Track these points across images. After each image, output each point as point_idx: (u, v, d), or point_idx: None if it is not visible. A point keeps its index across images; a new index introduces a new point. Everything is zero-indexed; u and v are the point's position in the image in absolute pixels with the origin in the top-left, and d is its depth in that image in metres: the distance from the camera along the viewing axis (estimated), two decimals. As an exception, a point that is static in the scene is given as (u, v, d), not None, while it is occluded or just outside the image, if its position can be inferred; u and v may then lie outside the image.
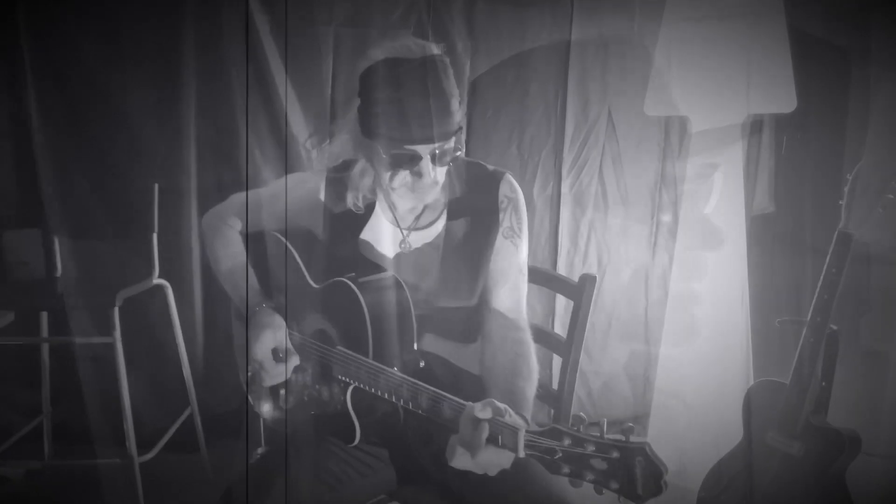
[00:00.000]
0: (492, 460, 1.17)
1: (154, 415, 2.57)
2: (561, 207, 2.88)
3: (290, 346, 1.51)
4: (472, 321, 1.54)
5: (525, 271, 1.57)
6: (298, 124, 2.58)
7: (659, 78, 2.38)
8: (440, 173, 1.44)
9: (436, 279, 1.51)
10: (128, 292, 2.24)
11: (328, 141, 2.35)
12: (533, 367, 1.43)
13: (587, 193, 2.88)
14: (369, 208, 1.55)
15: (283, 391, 1.57)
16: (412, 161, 1.39)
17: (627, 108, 2.79)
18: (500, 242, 1.53)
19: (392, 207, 1.55)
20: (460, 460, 1.19)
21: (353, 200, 1.52)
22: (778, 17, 2.28)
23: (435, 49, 1.39)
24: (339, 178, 1.54)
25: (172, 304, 2.47)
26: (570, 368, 1.65)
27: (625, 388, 2.90)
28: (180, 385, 2.57)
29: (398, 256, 1.54)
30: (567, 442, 1.10)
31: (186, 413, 2.59)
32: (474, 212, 1.52)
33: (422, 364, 1.45)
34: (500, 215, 1.52)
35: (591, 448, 1.08)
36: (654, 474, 1.04)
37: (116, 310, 2.15)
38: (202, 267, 2.64)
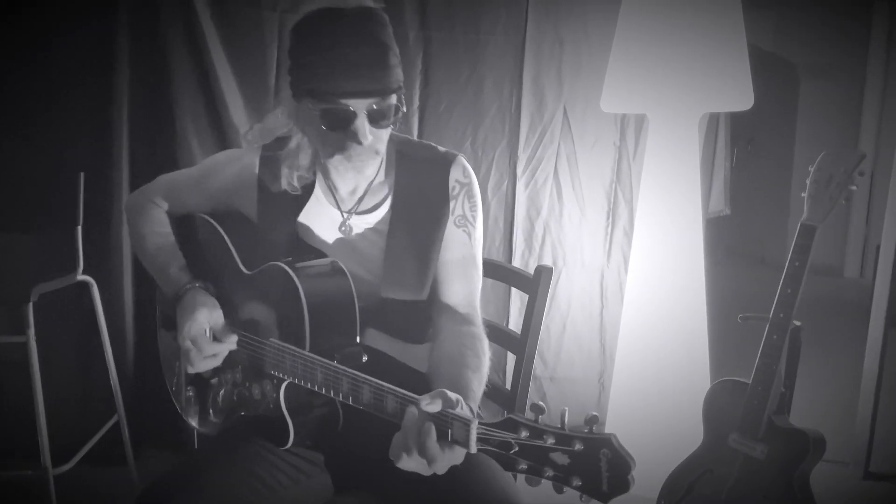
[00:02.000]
0: (441, 457, 1.04)
1: (77, 423, 2.38)
2: (516, 207, 2.80)
3: (227, 325, 1.37)
4: (422, 318, 1.42)
5: (479, 263, 1.46)
6: (239, 114, 2.44)
7: (615, 75, 2.32)
8: (380, 138, 1.31)
9: (380, 268, 1.39)
10: (45, 287, 2.06)
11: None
12: (483, 362, 1.30)
13: (542, 193, 2.81)
14: (307, 189, 1.42)
15: (213, 380, 1.43)
16: (346, 119, 1.26)
17: (583, 107, 2.75)
18: (452, 232, 1.41)
19: (332, 188, 1.42)
20: (406, 460, 1.06)
21: (288, 180, 1.39)
22: (735, 15, 2.24)
23: (371, 2, 1.27)
24: (273, 156, 1.41)
25: (98, 303, 2.29)
26: (524, 365, 1.54)
27: (580, 392, 2.81)
28: (107, 391, 2.38)
29: (339, 242, 1.42)
30: (524, 434, 0.98)
31: (112, 421, 2.41)
32: (423, 197, 1.41)
33: (364, 359, 1.32)
34: (452, 203, 1.41)
35: (550, 440, 0.96)
36: (621, 469, 0.93)
37: (31, 306, 1.97)
38: (133, 263, 2.47)
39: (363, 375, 1.17)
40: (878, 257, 4.25)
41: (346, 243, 1.41)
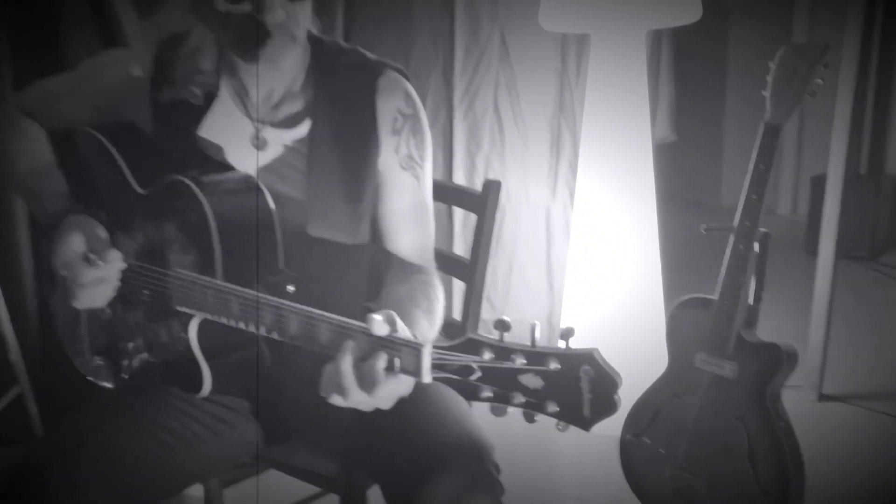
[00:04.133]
0: (385, 388, 0.86)
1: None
2: (454, 142, 2.62)
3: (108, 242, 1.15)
4: (363, 264, 1.22)
5: (431, 208, 1.25)
6: (129, 13, 2.14)
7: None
8: (295, 18, 1.08)
9: (303, 194, 1.18)
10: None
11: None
12: (435, 307, 1.12)
13: (482, 125, 2.63)
14: (210, 96, 1.19)
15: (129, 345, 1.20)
16: None
17: (521, 30, 2.55)
18: (397, 175, 1.20)
19: (241, 93, 1.20)
20: (343, 394, 0.88)
21: (187, 85, 1.16)
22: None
23: None
24: (168, 55, 1.17)
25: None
26: (475, 292, 1.38)
27: (529, 334, 2.67)
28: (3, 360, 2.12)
29: (251, 157, 1.19)
30: (488, 355, 0.81)
31: (13, 393, 2.14)
32: (348, 118, 1.19)
33: (291, 289, 1.12)
34: (395, 139, 1.19)
35: (520, 361, 0.79)
36: (606, 388, 0.77)
37: None
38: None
39: (288, 303, 0.97)
40: (812, 191, 4.27)
41: (261, 161, 1.19)
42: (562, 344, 0.79)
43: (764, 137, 1.57)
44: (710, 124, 5.08)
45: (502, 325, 0.82)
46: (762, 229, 1.57)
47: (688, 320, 1.65)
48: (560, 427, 0.80)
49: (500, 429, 0.98)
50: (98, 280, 1.10)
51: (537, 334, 0.81)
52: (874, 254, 4.13)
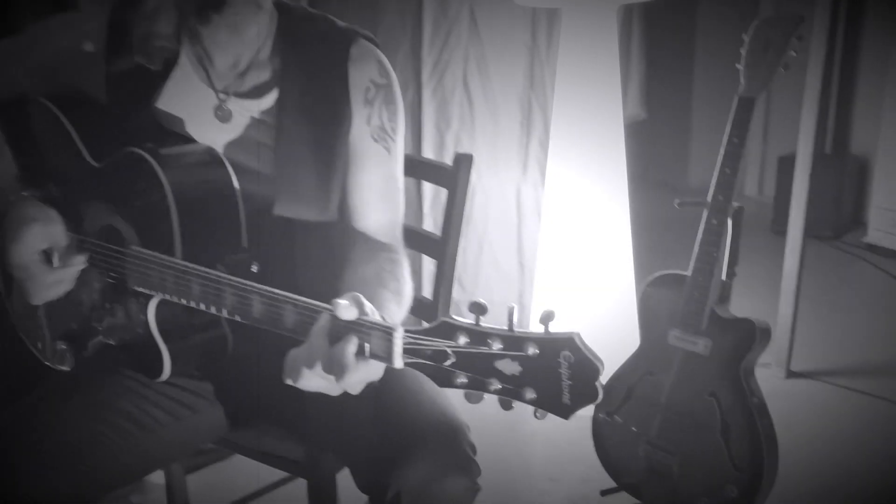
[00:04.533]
0: (355, 372, 0.82)
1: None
2: (423, 118, 2.56)
3: (70, 243, 1.09)
4: (332, 243, 1.17)
5: (402, 184, 1.20)
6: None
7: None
8: None
9: (270, 168, 1.12)
10: None
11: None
12: (403, 288, 1.07)
13: (451, 102, 2.57)
14: (169, 64, 1.13)
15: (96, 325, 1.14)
16: None
17: (491, 4, 2.50)
18: (368, 147, 1.14)
19: (203, 61, 1.14)
20: (309, 377, 0.84)
21: (145, 51, 1.09)
22: None
23: None
24: (123, 18, 1.10)
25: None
26: (446, 269, 1.34)
27: (501, 314, 2.65)
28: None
29: (213, 130, 1.13)
30: (463, 340, 0.77)
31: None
32: (320, 87, 1.13)
33: (255, 268, 1.07)
34: (367, 110, 1.13)
35: (497, 345, 0.76)
36: (587, 374, 0.73)
37: None
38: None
39: (251, 283, 0.93)
40: (779, 172, 4.30)
41: (223, 133, 1.13)
42: (541, 328, 0.75)
43: (738, 111, 1.55)
44: (679, 103, 5.08)
45: (478, 308, 0.78)
46: (735, 204, 1.56)
47: (660, 297, 1.63)
48: (538, 415, 0.76)
49: (472, 407, 0.95)
50: (57, 281, 1.05)
51: (515, 317, 0.77)
52: (838, 233, 4.18)
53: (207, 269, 0.97)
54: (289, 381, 0.85)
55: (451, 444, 1.00)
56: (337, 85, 1.12)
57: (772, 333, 1.57)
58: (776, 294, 2.48)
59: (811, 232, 2.41)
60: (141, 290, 1.04)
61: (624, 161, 2.38)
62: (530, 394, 0.75)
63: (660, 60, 3.82)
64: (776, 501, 1.54)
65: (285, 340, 0.90)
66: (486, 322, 0.78)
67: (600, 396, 0.73)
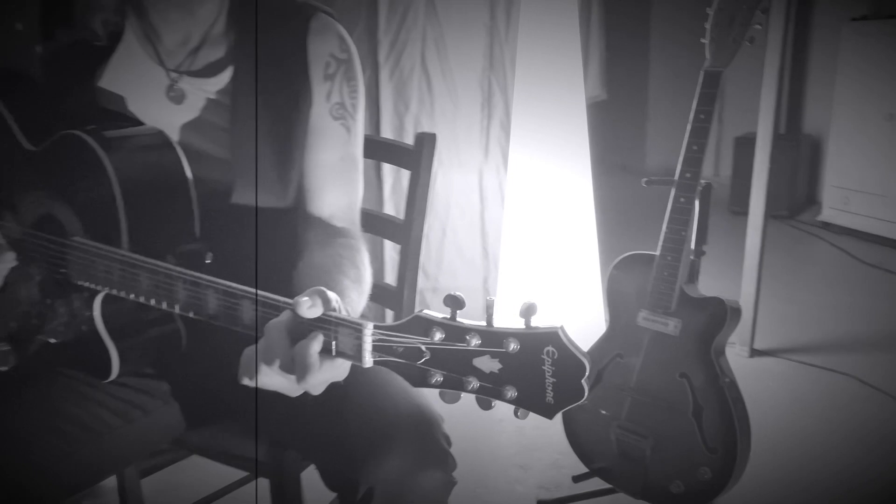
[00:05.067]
0: (318, 372, 0.76)
1: None
2: (381, 101, 2.48)
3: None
4: (293, 231, 1.10)
5: (360, 165, 1.13)
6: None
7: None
8: None
9: (226, 152, 1.05)
10: None
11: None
12: (363, 276, 1.01)
13: (409, 84, 2.50)
14: (114, 38, 1.04)
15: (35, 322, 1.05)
16: None
17: (449, -19, 2.43)
18: (327, 125, 1.08)
19: (151, 37, 1.05)
20: (267, 375, 0.77)
21: (86, 24, 1.01)
22: None
23: None
24: None
25: None
26: (411, 254, 1.28)
27: (465, 302, 2.60)
28: None
29: (167, 112, 1.06)
30: (438, 336, 0.72)
31: None
32: (278, 63, 1.06)
33: (209, 259, 1.00)
34: (327, 85, 1.07)
35: (475, 341, 0.71)
36: (573, 371, 0.69)
37: None
38: None
39: (205, 276, 0.86)
40: (735, 152, 4.33)
41: (176, 115, 1.06)
42: (521, 322, 0.70)
43: (704, 85, 1.53)
44: (636, 84, 5.08)
45: (454, 302, 0.72)
46: (703, 181, 1.53)
47: (628, 279, 1.60)
48: (519, 415, 0.71)
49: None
50: None
51: (493, 310, 0.72)
52: (794, 212, 4.24)
53: (157, 262, 0.89)
54: (245, 381, 0.79)
55: (425, 437, 0.96)
56: (296, 59, 1.05)
57: (741, 312, 1.55)
58: (737, 274, 2.50)
59: (768, 211, 2.43)
60: (85, 284, 0.96)
61: (587, 142, 2.36)
62: (511, 392, 0.70)
63: (618, 40, 3.80)
64: (744, 479, 1.53)
65: (244, 335, 0.83)
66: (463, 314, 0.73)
67: (587, 395, 0.69)
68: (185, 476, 1.33)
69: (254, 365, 0.78)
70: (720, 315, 1.50)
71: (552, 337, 0.68)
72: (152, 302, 0.90)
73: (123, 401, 1.05)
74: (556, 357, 0.68)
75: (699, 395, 1.51)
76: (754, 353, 2.53)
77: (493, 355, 0.70)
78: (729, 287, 2.50)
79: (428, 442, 0.95)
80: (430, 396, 0.96)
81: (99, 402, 1.03)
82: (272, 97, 1.04)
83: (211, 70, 1.06)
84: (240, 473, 1.34)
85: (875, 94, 3.75)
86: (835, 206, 4.00)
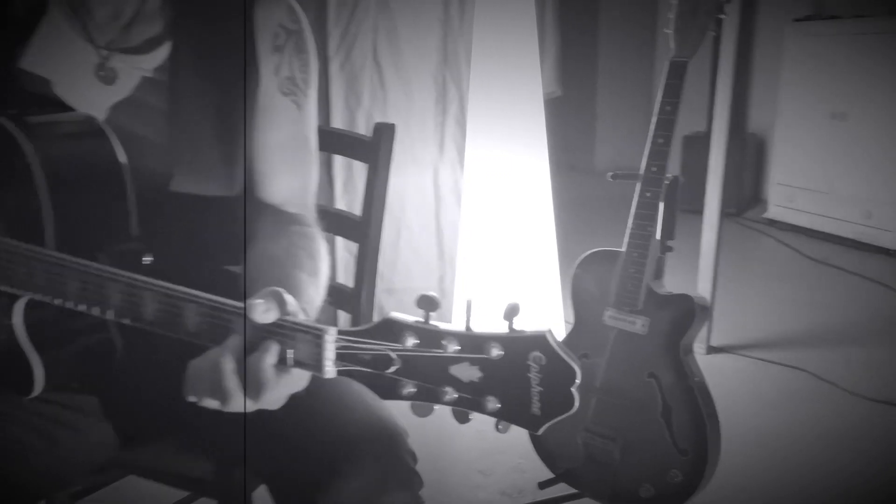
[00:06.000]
0: (275, 386, 0.67)
1: None
2: (331, 95, 2.39)
3: None
4: (233, 223, 1.00)
5: (314, 146, 1.04)
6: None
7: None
8: None
9: (164, 137, 0.95)
10: None
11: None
12: (320, 267, 0.93)
13: (361, 78, 2.41)
14: (35, 12, 0.93)
15: None
16: None
17: (400, -30, 2.35)
18: (276, 101, 0.99)
19: (79, 11, 0.95)
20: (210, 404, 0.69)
21: None
22: None
23: None
24: None
25: None
26: (370, 252, 1.20)
27: (441, 303, 2.51)
28: None
29: (94, 92, 0.95)
30: (411, 341, 0.64)
31: None
32: (220, 36, 0.96)
33: (147, 259, 0.90)
34: (276, 58, 0.98)
35: (453, 347, 0.63)
36: (561, 378, 0.62)
37: None
38: None
39: (142, 278, 0.76)
40: (683, 150, 4.36)
41: (106, 95, 0.95)
42: (504, 325, 0.63)
43: (669, 75, 1.49)
44: (586, 82, 5.08)
45: (428, 303, 0.65)
46: (669, 175, 1.49)
47: (593, 277, 1.55)
48: (500, 427, 0.64)
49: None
50: None
51: (470, 312, 0.65)
52: (741, 210, 4.29)
53: (87, 262, 0.79)
54: (191, 399, 0.70)
55: (389, 455, 0.88)
56: (240, 31, 0.95)
57: (709, 309, 1.51)
58: (690, 272, 2.48)
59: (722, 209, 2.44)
60: (3, 288, 0.85)
61: (545, 138, 2.31)
62: (493, 404, 0.63)
63: (573, 35, 3.78)
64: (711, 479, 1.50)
65: (187, 344, 0.74)
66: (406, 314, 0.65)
67: (576, 405, 0.62)
68: (121, 498, 1.23)
69: (203, 382, 0.69)
70: (688, 312, 1.47)
71: (539, 341, 0.61)
72: (82, 308, 0.80)
73: (49, 419, 0.94)
74: (543, 363, 0.61)
75: (668, 395, 1.47)
76: (711, 349, 2.53)
77: (473, 362, 0.63)
78: (684, 285, 2.49)
79: (391, 460, 0.87)
80: (393, 408, 0.88)
81: (21, 422, 0.92)
82: (215, 72, 0.94)
83: (147, 46, 0.96)
84: (180, 493, 1.23)
85: (818, 93, 3.82)
86: (780, 203, 4.06)
